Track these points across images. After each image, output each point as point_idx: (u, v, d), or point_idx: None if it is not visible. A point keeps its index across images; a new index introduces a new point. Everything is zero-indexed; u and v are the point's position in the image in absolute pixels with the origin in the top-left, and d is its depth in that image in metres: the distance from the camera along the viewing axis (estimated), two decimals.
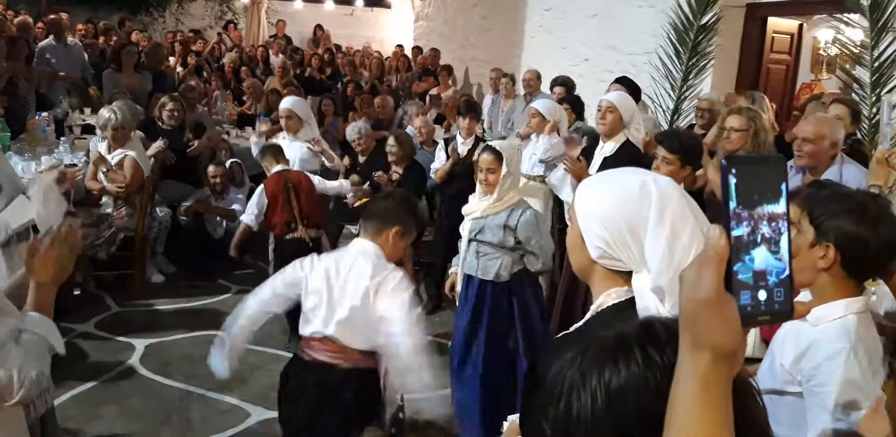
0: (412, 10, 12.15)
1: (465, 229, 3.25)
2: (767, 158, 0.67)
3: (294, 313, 2.60)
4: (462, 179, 4.61)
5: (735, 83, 5.97)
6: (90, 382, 3.63)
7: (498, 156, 3.09)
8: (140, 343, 4.08)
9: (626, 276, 1.22)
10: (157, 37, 10.85)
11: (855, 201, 1.59)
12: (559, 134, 4.51)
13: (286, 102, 4.80)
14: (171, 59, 8.78)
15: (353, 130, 5.35)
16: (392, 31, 13.30)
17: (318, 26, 12.33)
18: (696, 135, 3.85)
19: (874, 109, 4.61)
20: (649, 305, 1.11)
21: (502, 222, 3.11)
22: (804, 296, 1.64)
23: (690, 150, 3.19)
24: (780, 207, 0.66)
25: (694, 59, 6.13)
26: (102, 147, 4.61)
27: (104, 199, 4.61)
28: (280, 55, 10.17)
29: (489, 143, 3.23)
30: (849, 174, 3.24)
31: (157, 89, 6.86)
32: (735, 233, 0.65)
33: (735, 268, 0.65)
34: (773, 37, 6.26)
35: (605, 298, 1.25)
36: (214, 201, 5.53)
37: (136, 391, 3.63)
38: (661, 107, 6.31)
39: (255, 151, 5.00)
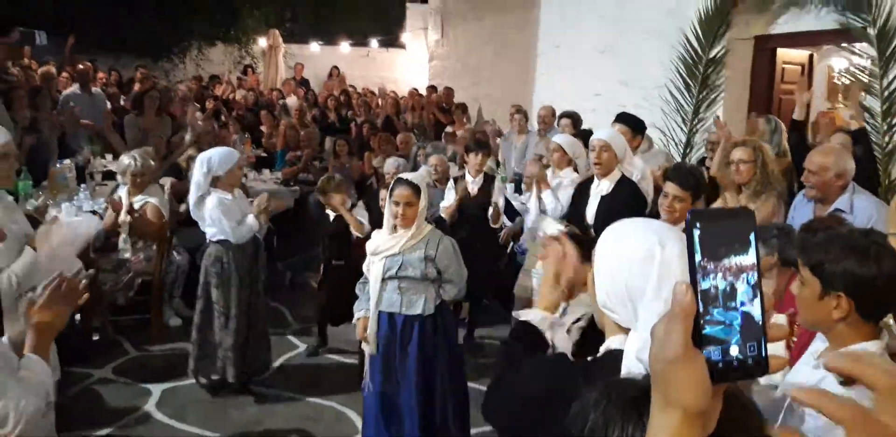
0: (426, 50, 12.40)
1: (376, 268, 3.11)
2: (733, 212, 0.66)
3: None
4: (470, 222, 4.61)
5: (746, 115, 5.96)
6: (106, 428, 3.64)
7: (415, 189, 3.02)
8: (157, 388, 4.08)
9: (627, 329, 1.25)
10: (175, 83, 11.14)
11: (851, 242, 1.57)
12: (577, 171, 4.52)
13: None
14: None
15: (392, 164, 5.35)
16: (407, 71, 13.54)
17: (335, 68, 12.60)
18: (699, 168, 3.85)
19: (886, 138, 4.58)
20: (632, 368, 1.10)
21: (422, 254, 3.06)
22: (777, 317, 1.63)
23: (702, 185, 3.19)
24: (748, 259, 0.64)
25: (704, 92, 6.16)
26: (123, 193, 4.71)
27: (121, 244, 4.68)
28: (293, 96, 10.38)
29: (403, 175, 3.14)
30: (860, 204, 3.21)
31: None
32: (702, 286, 0.63)
33: (703, 322, 0.63)
34: (783, 67, 6.27)
35: (610, 342, 1.29)
36: None
37: (152, 436, 3.63)
38: (672, 140, 6.31)
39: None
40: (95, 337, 4.62)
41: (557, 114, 6.78)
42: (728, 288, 0.64)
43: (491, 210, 4.61)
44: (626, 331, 1.24)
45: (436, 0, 11.91)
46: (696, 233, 0.64)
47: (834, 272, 1.54)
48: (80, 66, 7.96)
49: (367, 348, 3.20)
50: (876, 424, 0.55)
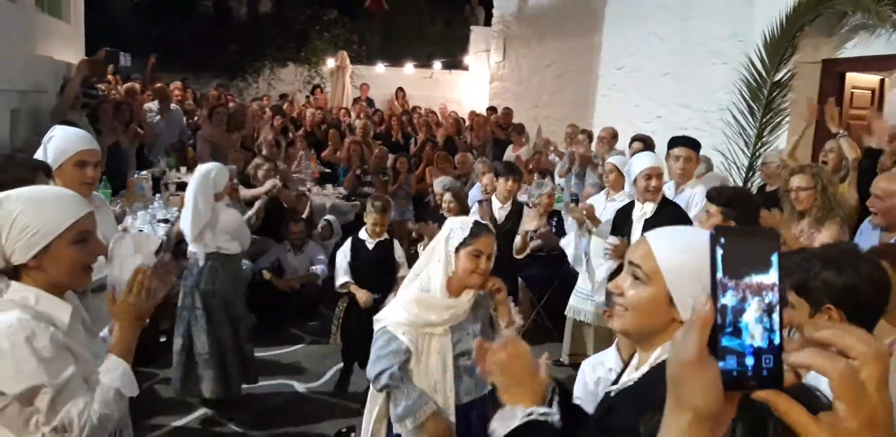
0: (488, 72, 12.58)
1: (440, 346, 2.33)
2: (757, 230, 0.70)
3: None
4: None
5: (813, 140, 5.85)
6: (166, 427, 3.81)
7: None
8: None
9: None
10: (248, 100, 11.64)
11: (823, 255, 1.61)
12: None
13: None
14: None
15: (440, 184, 5.47)
16: (469, 92, 13.76)
17: (400, 88, 12.92)
18: (747, 190, 3.77)
19: None
20: None
21: (484, 312, 2.45)
22: None
23: (734, 202, 3.05)
24: (770, 278, 0.67)
25: (768, 116, 6.06)
26: None
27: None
28: (362, 116, 10.68)
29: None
30: None
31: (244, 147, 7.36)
32: (721, 301, 0.67)
33: (721, 334, 0.67)
34: (852, 92, 6.12)
35: (661, 351, 1.30)
36: (294, 255, 5.81)
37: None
38: (734, 164, 6.22)
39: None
40: (162, 339, 4.84)
41: (620, 136, 6.80)
42: (748, 304, 0.67)
43: (518, 240, 4.21)
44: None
45: (499, 23, 12.10)
46: (720, 250, 0.68)
47: (816, 287, 1.57)
48: (159, 85, 8.42)
49: None
50: (858, 381, 0.60)
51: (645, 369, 1.34)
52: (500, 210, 4.42)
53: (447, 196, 4.79)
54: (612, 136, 6.95)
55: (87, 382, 1.59)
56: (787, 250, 1.98)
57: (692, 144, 4.40)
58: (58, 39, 8.64)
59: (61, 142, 2.79)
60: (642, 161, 3.84)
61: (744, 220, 3.00)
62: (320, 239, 6.27)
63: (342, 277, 4.20)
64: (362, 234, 4.26)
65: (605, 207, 4.48)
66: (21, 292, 1.57)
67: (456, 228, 2.32)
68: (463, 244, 2.27)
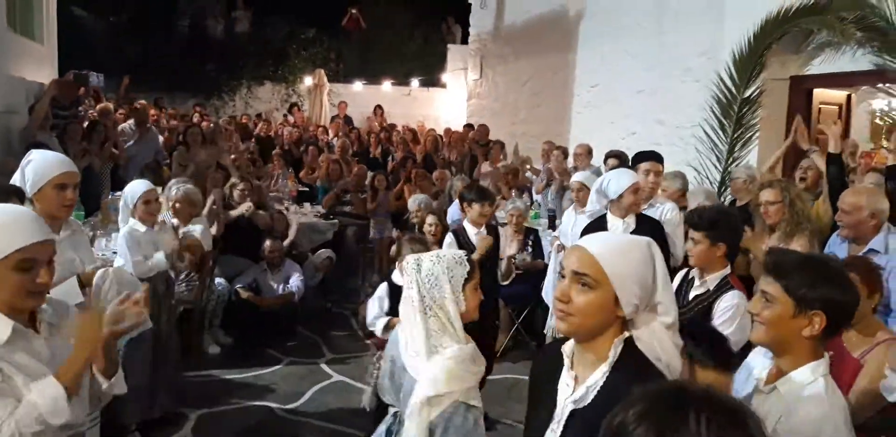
0: (466, 89, 12.68)
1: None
2: None
3: None
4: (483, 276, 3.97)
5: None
6: None
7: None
8: (193, 414, 4.18)
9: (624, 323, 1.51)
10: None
11: (829, 269, 1.68)
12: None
13: None
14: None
15: (414, 202, 5.50)
16: (447, 110, 13.86)
17: (378, 106, 12.98)
18: (725, 208, 3.78)
19: None
20: (663, 339, 1.52)
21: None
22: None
23: (717, 225, 2.90)
24: None
25: (739, 132, 6.18)
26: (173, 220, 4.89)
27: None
28: (340, 134, 10.70)
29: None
30: (895, 244, 3.19)
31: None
32: None
33: None
34: (819, 108, 6.26)
35: (614, 349, 1.48)
36: (271, 274, 5.77)
37: None
38: (707, 179, 6.32)
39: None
40: None
41: (595, 152, 6.87)
42: None
43: (503, 266, 4.16)
44: (622, 326, 1.50)
45: (475, 41, 12.23)
46: None
47: (813, 295, 1.62)
48: (137, 105, 8.39)
49: None
50: None
51: (604, 370, 1.46)
52: (475, 236, 4.13)
53: (430, 219, 4.65)
54: (588, 152, 7.03)
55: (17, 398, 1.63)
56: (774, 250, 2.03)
57: (658, 159, 4.45)
58: (30, 60, 8.56)
59: (40, 166, 2.80)
60: (627, 177, 3.85)
61: (730, 240, 2.94)
62: (315, 269, 6.26)
63: (381, 322, 3.59)
64: (396, 277, 3.66)
65: (575, 220, 4.53)
66: None
67: (453, 265, 2.17)
68: (467, 280, 2.17)
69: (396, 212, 7.50)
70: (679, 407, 0.86)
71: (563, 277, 1.50)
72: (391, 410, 2.30)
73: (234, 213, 5.93)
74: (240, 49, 14.10)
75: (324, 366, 4.97)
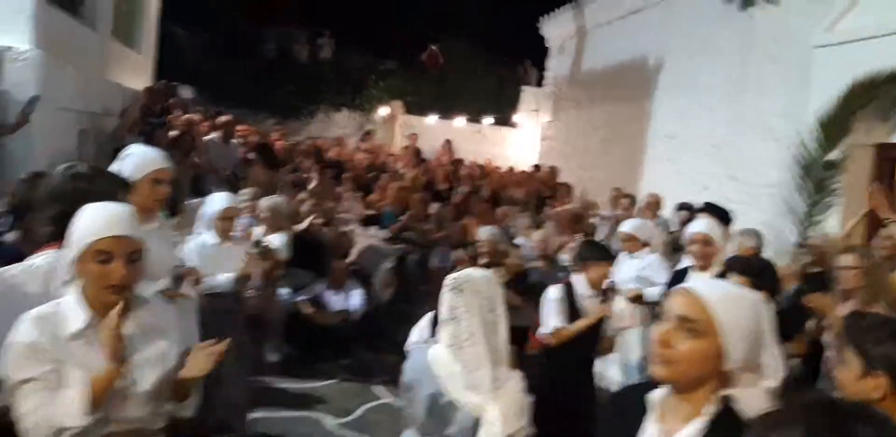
0: (537, 130, 12.82)
1: None
2: None
3: None
4: (581, 348, 3.49)
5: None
6: None
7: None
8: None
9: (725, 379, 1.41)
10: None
11: (893, 327, 1.67)
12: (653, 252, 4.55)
13: None
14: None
15: (485, 233, 5.50)
16: (516, 149, 14.02)
17: (448, 141, 13.21)
18: (766, 260, 3.74)
19: None
20: (762, 404, 1.30)
21: None
22: None
23: (760, 272, 3.08)
24: None
25: (819, 196, 6.06)
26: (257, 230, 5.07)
27: None
28: (409, 165, 10.92)
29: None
30: None
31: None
32: None
33: None
34: None
35: (713, 404, 1.38)
36: (334, 294, 5.88)
37: None
38: (779, 241, 6.19)
39: None
40: None
41: (662, 203, 6.85)
42: None
43: (606, 341, 3.68)
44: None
45: (551, 84, 12.42)
46: None
47: (877, 352, 1.63)
48: (224, 118, 8.78)
49: None
50: None
51: (699, 425, 1.38)
52: (588, 300, 3.55)
53: (486, 241, 4.78)
54: (657, 202, 7.00)
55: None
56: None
57: (723, 216, 4.40)
58: (128, 68, 9.09)
59: (139, 159, 2.88)
60: (692, 228, 3.91)
61: (770, 289, 3.02)
62: (383, 286, 6.33)
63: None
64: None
65: (626, 263, 4.48)
66: (67, 292, 1.74)
67: (499, 287, 2.19)
68: None
69: (459, 244, 7.57)
70: (842, 424, 0.87)
71: (662, 320, 1.44)
72: None
73: (298, 227, 6.08)
74: (321, 75, 14.65)
75: (376, 387, 5.00)
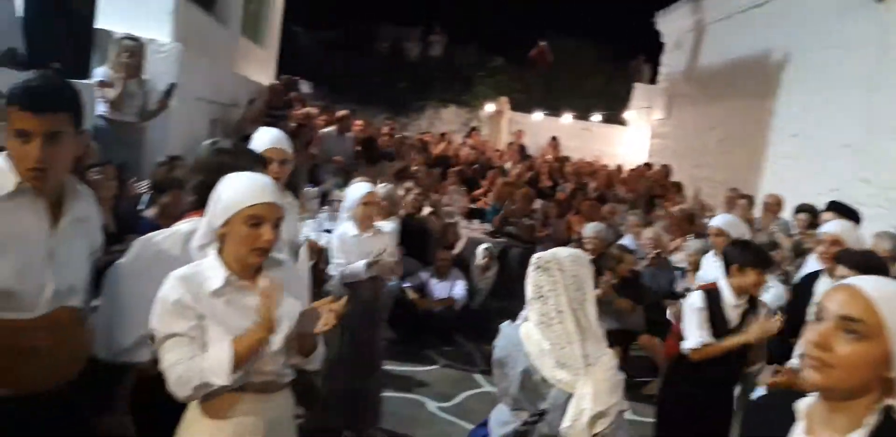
0: (648, 128, 12.47)
1: None
2: None
3: None
4: (727, 362, 3.12)
5: None
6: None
7: None
8: None
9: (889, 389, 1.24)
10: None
11: None
12: None
13: None
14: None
15: (592, 229, 5.43)
16: (625, 147, 13.70)
17: (553, 137, 13.09)
18: (878, 256, 3.41)
19: None
20: None
21: None
22: None
23: (873, 269, 2.77)
24: None
25: None
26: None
27: None
28: (514, 160, 10.92)
29: None
30: None
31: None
32: None
33: None
34: None
35: (874, 416, 1.24)
36: (438, 282, 5.98)
37: None
38: None
39: None
40: None
41: (784, 205, 6.50)
42: None
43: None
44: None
45: (666, 81, 12.04)
46: None
47: None
48: (341, 113, 9.12)
49: None
50: None
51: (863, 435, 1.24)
52: (733, 309, 3.17)
53: (591, 237, 4.90)
54: (777, 203, 6.65)
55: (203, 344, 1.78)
56: None
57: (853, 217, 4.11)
58: (254, 62, 9.59)
59: (265, 137, 3.03)
60: (825, 228, 3.71)
61: None
62: (480, 271, 6.38)
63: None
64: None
65: (714, 262, 4.11)
66: (203, 255, 1.87)
67: (588, 266, 2.21)
68: None
69: (562, 241, 7.50)
70: None
71: (818, 319, 1.28)
72: (519, 414, 2.16)
73: (401, 212, 6.21)
74: (431, 72, 14.93)
75: (477, 376, 5.04)
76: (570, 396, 2.04)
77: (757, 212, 6.88)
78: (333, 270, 3.78)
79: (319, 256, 3.37)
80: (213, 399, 1.81)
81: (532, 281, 2.12)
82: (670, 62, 11.96)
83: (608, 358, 2.09)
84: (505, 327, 2.24)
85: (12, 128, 1.73)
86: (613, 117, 14.23)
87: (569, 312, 2.04)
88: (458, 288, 5.93)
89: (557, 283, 2.04)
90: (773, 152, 8.35)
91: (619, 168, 10.76)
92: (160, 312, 1.78)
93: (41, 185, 1.78)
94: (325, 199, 6.86)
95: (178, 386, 1.75)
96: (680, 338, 3.26)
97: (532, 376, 2.06)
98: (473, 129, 13.58)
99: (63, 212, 1.87)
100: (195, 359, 1.75)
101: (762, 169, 8.49)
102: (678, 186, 8.70)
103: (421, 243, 6.18)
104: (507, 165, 10.51)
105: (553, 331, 2.03)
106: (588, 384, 2.02)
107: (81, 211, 1.93)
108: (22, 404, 1.77)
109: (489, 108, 14.03)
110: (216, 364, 1.74)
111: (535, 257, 2.16)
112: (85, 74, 4.71)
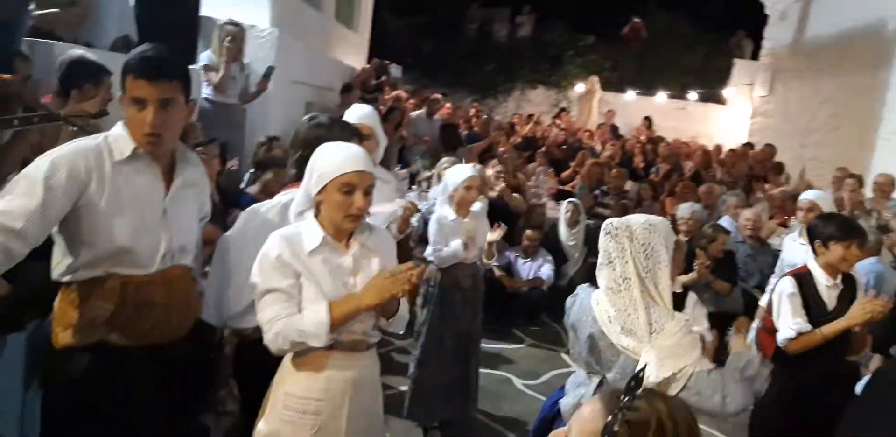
0: (750, 107, 11.90)
1: None
2: None
3: None
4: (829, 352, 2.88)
5: None
6: (393, 390, 4.06)
7: None
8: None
9: None
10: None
11: None
12: None
13: None
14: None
15: (687, 209, 5.28)
16: (722, 127, 13.12)
17: (646, 117, 12.69)
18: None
19: None
20: None
21: None
22: None
23: None
24: None
25: None
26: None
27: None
28: (604, 141, 10.68)
29: None
30: None
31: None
32: None
33: None
34: None
35: None
36: (524, 262, 5.98)
37: None
38: None
39: None
40: None
41: None
42: None
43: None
44: None
45: (768, 56, 11.43)
46: None
47: None
48: (432, 97, 9.22)
49: None
50: None
51: None
52: (828, 290, 2.94)
53: (686, 218, 4.89)
54: (890, 183, 6.23)
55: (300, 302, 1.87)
56: None
57: None
58: (347, 46, 9.81)
59: (357, 112, 3.12)
60: None
61: None
62: (567, 225, 6.42)
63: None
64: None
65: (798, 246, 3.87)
66: (307, 217, 1.97)
67: (667, 233, 2.09)
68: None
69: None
70: None
71: None
72: (593, 377, 2.15)
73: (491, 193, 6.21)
74: (519, 53, 14.74)
75: (564, 355, 5.03)
76: (636, 363, 1.98)
77: (867, 193, 6.47)
78: (430, 254, 3.76)
79: (407, 223, 3.34)
80: (305, 355, 1.91)
81: (602, 246, 2.08)
82: (774, 35, 11.31)
83: (674, 324, 2.01)
84: (581, 290, 2.23)
85: (129, 96, 1.87)
86: (711, 96, 13.62)
87: (636, 279, 1.99)
88: (546, 269, 5.90)
89: (625, 250, 1.99)
90: (886, 129, 7.80)
91: (718, 149, 10.32)
92: (262, 267, 1.89)
93: (156, 149, 1.92)
94: (413, 179, 6.98)
95: (274, 341, 1.86)
96: (773, 331, 2.98)
97: (599, 341, 2.06)
98: (563, 109, 13.36)
99: (175, 176, 2.00)
100: (293, 318, 1.85)
101: (874, 147, 7.95)
102: (779, 167, 8.27)
103: (504, 220, 6.16)
104: (598, 147, 10.30)
105: (620, 297, 2.01)
106: (651, 352, 1.97)
107: (191, 176, 2.06)
108: (141, 354, 1.93)
109: (579, 88, 13.74)
110: (313, 327, 1.83)
111: (606, 223, 2.10)
112: (191, 58, 4.96)
